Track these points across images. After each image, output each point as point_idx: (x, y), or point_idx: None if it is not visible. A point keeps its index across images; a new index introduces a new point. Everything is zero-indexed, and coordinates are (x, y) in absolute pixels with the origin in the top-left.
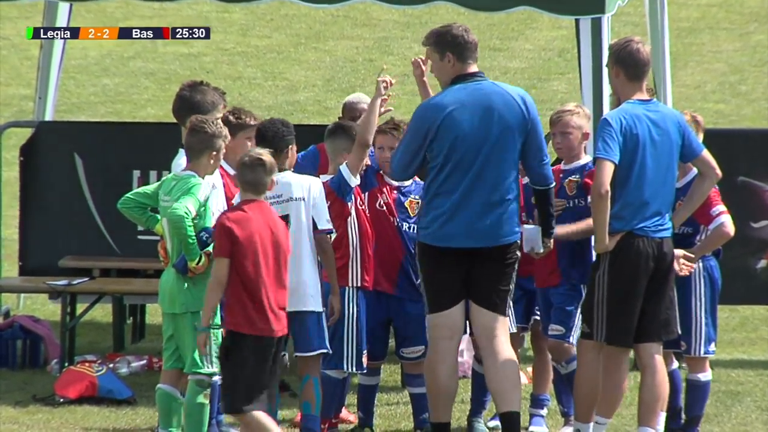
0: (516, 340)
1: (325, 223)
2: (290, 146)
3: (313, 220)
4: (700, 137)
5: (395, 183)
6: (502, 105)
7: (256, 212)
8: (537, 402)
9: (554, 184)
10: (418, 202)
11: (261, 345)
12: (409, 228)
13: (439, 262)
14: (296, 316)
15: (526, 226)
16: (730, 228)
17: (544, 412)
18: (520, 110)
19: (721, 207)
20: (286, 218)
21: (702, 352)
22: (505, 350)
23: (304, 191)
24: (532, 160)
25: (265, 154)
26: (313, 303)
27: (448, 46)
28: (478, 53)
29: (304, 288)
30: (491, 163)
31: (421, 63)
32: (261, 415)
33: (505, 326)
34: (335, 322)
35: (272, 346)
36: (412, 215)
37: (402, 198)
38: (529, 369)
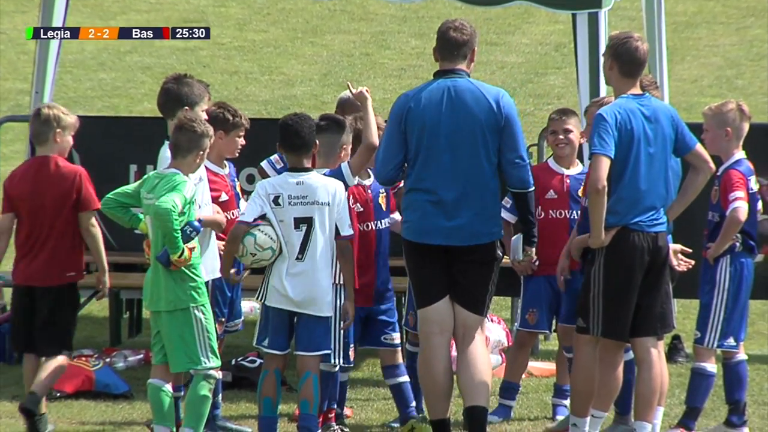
0: (531, 339)
1: (347, 230)
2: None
3: (336, 225)
4: (746, 127)
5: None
6: (471, 101)
7: (35, 167)
8: (560, 392)
9: (533, 188)
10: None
11: (23, 294)
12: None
13: (422, 257)
14: (307, 319)
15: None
16: (741, 214)
17: (567, 402)
18: (490, 107)
19: (738, 193)
20: (309, 221)
21: (715, 344)
22: (479, 351)
23: (329, 196)
24: (505, 162)
25: (50, 108)
26: (327, 309)
27: (436, 41)
28: (466, 50)
29: (321, 293)
30: (461, 158)
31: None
32: (28, 359)
33: (482, 328)
34: (349, 326)
35: (37, 296)
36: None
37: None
38: (537, 364)
